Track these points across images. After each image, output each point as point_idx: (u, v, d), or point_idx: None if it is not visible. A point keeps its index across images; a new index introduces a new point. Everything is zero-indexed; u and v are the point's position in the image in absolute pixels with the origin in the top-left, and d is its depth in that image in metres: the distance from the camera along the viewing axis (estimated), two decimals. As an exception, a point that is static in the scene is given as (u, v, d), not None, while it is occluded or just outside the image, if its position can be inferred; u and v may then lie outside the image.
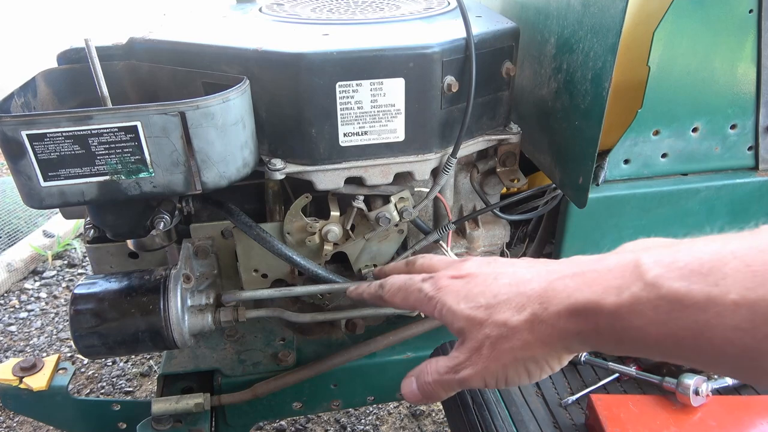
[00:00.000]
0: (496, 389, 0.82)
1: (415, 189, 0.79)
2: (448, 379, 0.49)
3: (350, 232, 0.80)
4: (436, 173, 0.76)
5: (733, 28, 0.72)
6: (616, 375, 0.87)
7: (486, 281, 0.48)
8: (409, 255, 0.84)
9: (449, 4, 0.82)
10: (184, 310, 0.72)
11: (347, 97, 0.66)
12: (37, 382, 0.88)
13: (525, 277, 0.45)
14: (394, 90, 0.67)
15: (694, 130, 0.78)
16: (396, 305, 0.58)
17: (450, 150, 0.73)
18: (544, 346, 0.42)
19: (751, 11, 0.71)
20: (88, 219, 0.78)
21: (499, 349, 0.44)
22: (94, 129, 0.58)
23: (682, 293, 0.32)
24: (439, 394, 0.51)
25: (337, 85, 0.65)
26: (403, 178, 0.75)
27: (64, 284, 1.92)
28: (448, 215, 0.83)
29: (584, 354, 0.90)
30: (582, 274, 0.39)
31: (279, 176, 0.69)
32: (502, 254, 0.94)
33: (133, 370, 1.57)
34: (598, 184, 0.78)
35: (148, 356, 1.59)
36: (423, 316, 0.85)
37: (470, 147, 0.77)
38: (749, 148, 0.81)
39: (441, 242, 0.83)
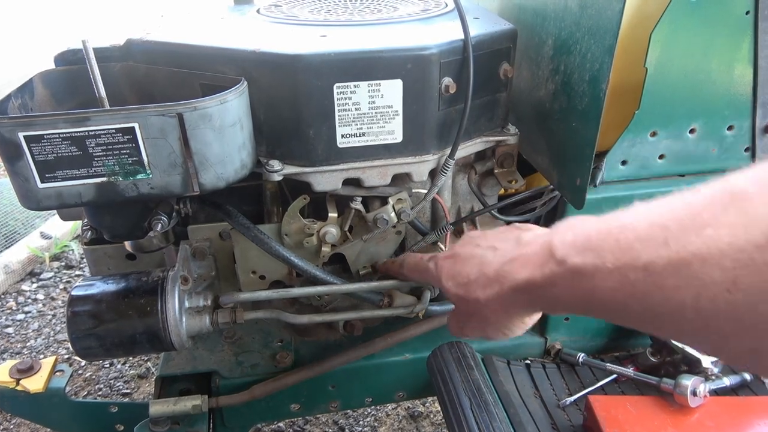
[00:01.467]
0: (495, 392, 0.82)
1: (413, 190, 0.79)
2: (459, 334, 0.67)
3: (348, 234, 0.80)
4: (433, 174, 0.76)
5: (729, 30, 0.72)
6: (614, 376, 0.87)
7: (464, 262, 0.61)
8: (404, 261, 0.84)
9: (447, 5, 0.82)
10: (181, 311, 0.72)
11: (345, 99, 0.66)
12: (34, 384, 0.88)
13: (487, 260, 0.57)
14: (391, 91, 0.67)
15: (692, 131, 0.78)
16: (413, 280, 0.76)
17: (448, 151, 0.73)
18: (508, 312, 0.56)
19: (747, 13, 0.71)
20: (86, 220, 0.77)
21: (480, 317, 0.59)
22: (92, 130, 0.58)
23: (579, 266, 0.41)
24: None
25: (334, 87, 0.65)
26: (401, 180, 0.75)
27: (61, 286, 1.91)
28: (446, 216, 0.83)
29: (582, 355, 0.90)
30: (519, 257, 0.51)
31: (277, 178, 0.69)
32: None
33: (131, 371, 1.57)
34: (595, 186, 0.78)
35: (146, 358, 1.59)
36: (420, 316, 0.85)
37: (468, 148, 0.77)
38: (746, 149, 0.81)
39: (439, 243, 0.83)
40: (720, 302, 0.32)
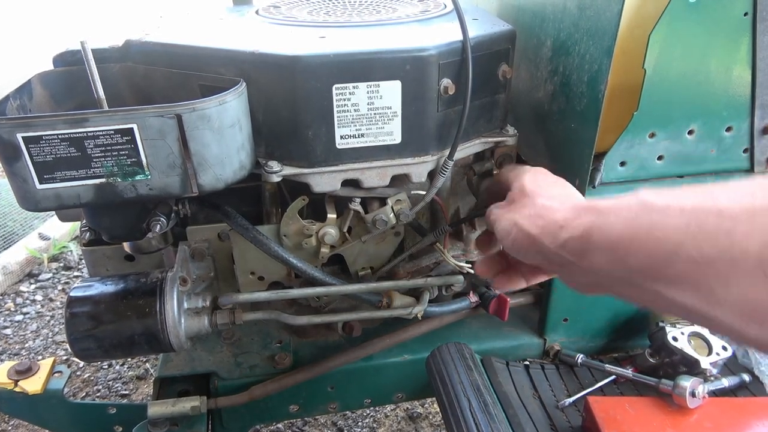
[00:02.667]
0: (494, 392, 0.82)
1: (412, 191, 0.79)
2: (488, 213, 0.62)
3: (347, 235, 0.80)
4: (432, 175, 0.76)
5: (728, 31, 0.72)
6: (613, 377, 0.87)
7: (554, 183, 0.61)
8: (406, 257, 0.84)
9: (446, 6, 0.82)
10: (180, 312, 0.72)
11: (344, 100, 0.66)
12: (33, 385, 0.88)
13: (575, 195, 0.58)
14: (390, 92, 0.67)
15: (690, 132, 0.78)
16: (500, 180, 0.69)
17: (447, 152, 0.73)
18: (538, 222, 0.52)
19: (746, 14, 0.71)
20: (84, 221, 0.77)
21: (515, 208, 0.57)
22: (90, 131, 0.58)
23: (653, 200, 0.41)
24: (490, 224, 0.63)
25: (333, 88, 0.65)
26: (399, 181, 0.75)
27: (59, 287, 1.91)
28: (445, 217, 0.83)
29: (581, 356, 0.90)
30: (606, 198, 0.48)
31: (276, 179, 0.69)
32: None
33: (130, 372, 1.56)
34: (594, 187, 0.78)
35: (145, 359, 1.59)
36: (419, 317, 0.85)
37: (467, 149, 0.77)
38: (744, 150, 0.81)
39: (437, 244, 0.83)
40: None
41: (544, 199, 0.56)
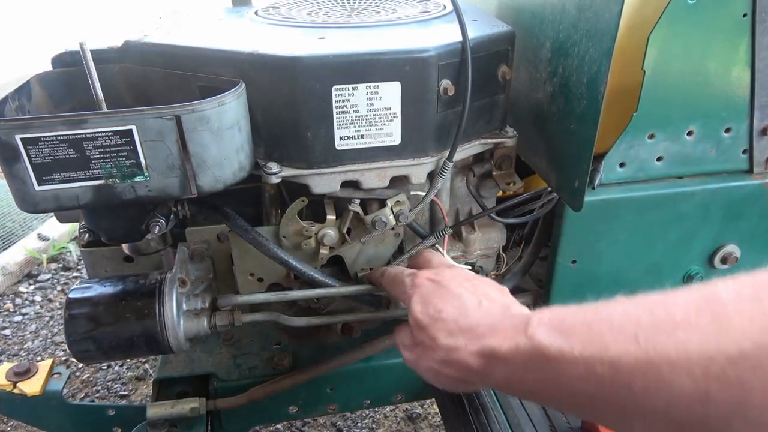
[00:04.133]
0: (493, 393, 0.82)
1: (411, 192, 0.79)
2: (404, 356, 0.64)
3: (346, 236, 0.79)
4: (432, 177, 0.76)
5: (727, 32, 0.72)
6: (613, 378, 0.87)
7: (443, 296, 0.58)
8: (406, 258, 0.84)
9: (445, 8, 0.82)
10: (179, 314, 0.72)
11: (343, 101, 0.66)
12: (32, 386, 0.88)
13: (468, 309, 0.55)
14: (390, 93, 0.67)
15: (689, 133, 0.78)
16: (389, 292, 0.71)
17: (446, 153, 0.73)
18: (454, 369, 0.53)
19: (745, 15, 0.71)
20: (83, 223, 0.77)
21: (426, 354, 0.58)
22: (89, 133, 0.58)
23: (546, 346, 0.40)
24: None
25: (333, 89, 0.65)
26: (399, 182, 0.75)
27: (59, 288, 1.91)
28: (444, 219, 0.83)
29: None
30: (499, 326, 0.49)
31: (275, 180, 0.69)
32: (498, 257, 0.94)
33: (129, 373, 1.56)
34: (593, 188, 0.78)
35: (144, 360, 1.59)
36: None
37: (466, 150, 0.77)
38: (743, 151, 0.81)
39: (437, 246, 0.83)
40: (694, 414, 0.31)
41: (443, 335, 0.55)
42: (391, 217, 0.75)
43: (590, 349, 0.36)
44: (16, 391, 0.88)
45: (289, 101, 0.65)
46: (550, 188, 0.84)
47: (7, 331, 1.71)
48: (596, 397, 0.36)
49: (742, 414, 0.29)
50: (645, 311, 0.35)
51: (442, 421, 1.37)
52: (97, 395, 1.50)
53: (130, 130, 0.58)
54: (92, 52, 0.63)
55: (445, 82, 0.68)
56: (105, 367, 1.58)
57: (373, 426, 1.41)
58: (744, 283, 0.32)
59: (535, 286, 0.96)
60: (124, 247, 0.80)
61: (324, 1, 0.87)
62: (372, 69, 0.65)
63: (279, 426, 1.38)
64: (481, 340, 0.48)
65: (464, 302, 0.56)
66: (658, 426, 0.34)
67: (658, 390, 0.32)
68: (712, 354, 0.30)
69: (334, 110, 0.66)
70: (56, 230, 2.10)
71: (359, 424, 1.41)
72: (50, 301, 1.85)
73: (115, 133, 0.58)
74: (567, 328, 0.39)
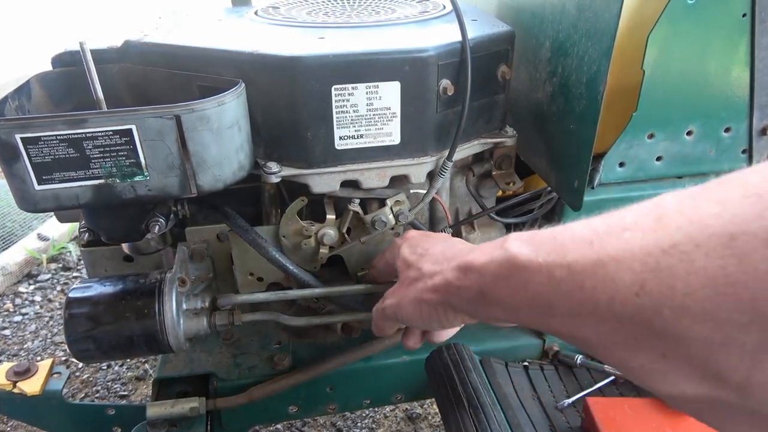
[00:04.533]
0: (493, 394, 0.82)
1: (411, 192, 0.79)
2: (379, 308, 0.65)
3: (346, 236, 0.79)
4: (432, 176, 0.76)
5: (726, 32, 0.72)
6: (612, 378, 0.87)
7: (431, 239, 0.63)
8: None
9: (444, 7, 0.82)
10: (179, 313, 0.72)
11: (343, 101, 0.66)
12: (31, 386, 0.88)
13: (455, 246, 0.58)
14: (389, 93, 0.67)
15: (689, 133, 0.78)
16: (382, 274, 0.76)
17: (446, 153, 0.73)
18: (436, 292, 0.54)
19: (744, 15, 0.71)
20: (83, 222, 0.77)
21: (411, 287, 0.58)
22: (89, 132, 0.58)
23: (515, 254, 0.42)
24: (378, 324, 0.67)
25: (332, 89, 0.65)
26: (399, 182, 0.75)
27: (58, 288, 1.91)
28: (447, 217, 0.83)
29: (580, 357, 0.90)
30: (480, 247, 0.50)
31: (275, 179, 0.69)
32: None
33: (129, 373, 1.56)
34: (593, 187, 0.79)
35: (144, 360, 1.59)
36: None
37: (466, 150, 0.77)
38: (743, 151, 0.81)
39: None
40: (630, 306, 0.33)
41: (428, 264, 0.57)
42: (391, 216, 0.75)
43: (552, 256, 0.39)
44: (16, 390, 0.88)
45: (289, 101, 0.65)
46: (549, 188, 0.84)
47: (6, 331, 1.71)
48: (553, 301, 0.39)
49: (670, 301, 0.31)
50: (602, 221, 0.37)
51: (441, 421, 1.37)
52: (97, 395, 1.50)
53: (130, 129, 0.58)
54: (92, 52, 0.63)
55: (445, 82, 0.68)
56: (105, 367, 1.58)
57: (373, 426, 1.41)
58: (688, 189, 0.34)
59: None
60: (124, 246, 0.80)
61: (324, 1, 0.87)
62: (371, 69, 0.65)
63: (279, 426, 1.38)
64: (462, 258, 0.50)
65: (451, 242, 0.60)
66: (601, 322, 0.36)
67: (604, 287, 0.35)
68: (651, 249, 0.32)
69: (334, 110, 0.66)
70: (56, 230, 2.10)
71: (359, 424, 1.41)
72: (50, 301, 1.85)
73: (115, 132, 0.58)
74: (537, 240, 0.41)
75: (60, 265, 2.01)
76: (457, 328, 0.67)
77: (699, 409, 0.33)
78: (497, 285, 0.45)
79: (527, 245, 0.42)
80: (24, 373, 0.89)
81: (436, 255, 0.58)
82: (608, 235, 0.36)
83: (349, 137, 0.68)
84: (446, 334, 0.69)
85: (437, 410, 1.43)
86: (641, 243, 0.33)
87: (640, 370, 0.35)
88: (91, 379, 1.55)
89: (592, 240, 0.36)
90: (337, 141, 0.68)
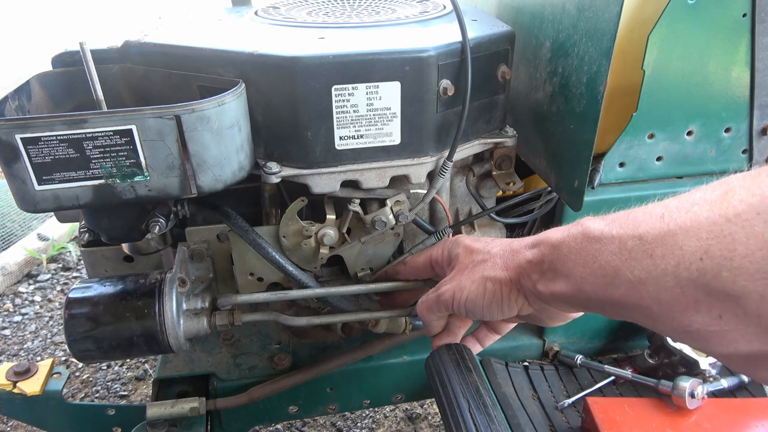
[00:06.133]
0: (493, 394, 0.82)
1: (411, 192, 0.79)
2: (430, 297, 0.65)
3: (346, 236, 0.79)
4: (432, 176, 0.76)
5: (727, 32, 0.72)
6: (612, 378, 0.87)
7: (483, 255, 0.62)
8: (406, 258, 0.84)
9: (444, 8, 0.82)
10: (179, 313, 0.72)
11: (343, 101, 0.66)
12: (31, 386, 0.88)
13: (517, 239, 0.60)
14: (389, 93, 0.67)
15: (689, 133, 0.78)
16: (417, 271, 0.77)
17: (446, 153, 0.73)
18: (507, 270, 0.57)
19: (744, 15, 0.71)
20: (83, 222, 0.77)
21: (476, 268, 0.60)
22: (89, 132, 0.58)
23: (590, 228, 0.46)
24: (426, 317, 0.68)
25: (332, 89, 0.65)
26: (399, 182, 0.75)
27: (58, 288, 1.91)
28: (447, 217, 0.83)
29: (580, 357, 0.90)
30: (554, 228, 0.53)
31: (275, 180, 0.69)
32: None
33: (129, 373, 1.56)
34: (593, 188, 0.79)
35: (144, 360, 1.59)
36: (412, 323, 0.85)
37: (466, 150, 0.77)
38: (743, 151, 0.81)
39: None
40: (693, 270, 0.37)
41: (497, 248, 0.60)
42: (391, 216, 0.75)
43: (625, 228, 0.43)
44: (16, 390, 0.88)
45: (289, 101, 0.65)
46: (549, 188, 0.84)
47: (6, 331, 1.71)
48: (622, 269, 0.42)
49: (729, 263, 0.35)
50: (674, 199, 0.41)
51: (441, 421, 1.37)
52: (97, 395, 1.50)
53: (130, 129, 0.58)
54: (92, 52, 0.63)
55: (445, 82, 0.68)
56: (105, 367, 1.58)
57: (373, 426, 1.41)
58: (754, 169, 0.38)
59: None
60: (124, 246, 0.80)
61: (324, 1, 0.87)
62: (372, 69, 0.65)
63: (279, 426, 1.38)
64: (536, 237, 0.54)
65: (508, 239, 0.62)
66: (665, 289, 0.39)
67: (672, 254, 0.38)
68: (716, 218, 0.36)
69: (334, 110, 0.66)
70: (56, 230, 2.10)
71: (359, 424, 1.41)
72: (50, 301, 1.85)
73: (115, 132, 0.58)
74: (611, 218, 0.45)
75: (60, 265, 2.01)
76: (509, 327, 0.70)
77: (753, 365, 0.37)
78: (570, 257, 0.48)
79: (602, 221, 0.46)
80: (24, 373, 0.89)
81: (502, 242, 0.61)
82: (678, 210, 0.40)
83: (349, 137, 0.68)
84: (504, 328, 0.71)
85: (437, 410, 1.43)
86: (708, 214, 0.37)
87: (698, 333, 0.38)
88: (91, 379, 1.55)
89: (662, 214, 0.40)
90: (337, 141, 0.68)
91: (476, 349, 0.72)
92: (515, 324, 0.69)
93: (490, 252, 0.60)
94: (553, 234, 0.51)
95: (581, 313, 0.59)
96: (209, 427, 0.86)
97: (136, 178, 0.61)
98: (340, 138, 0.68)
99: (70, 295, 0.71)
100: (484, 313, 0.60)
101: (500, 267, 0.58)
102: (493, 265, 0.58)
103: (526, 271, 0.55)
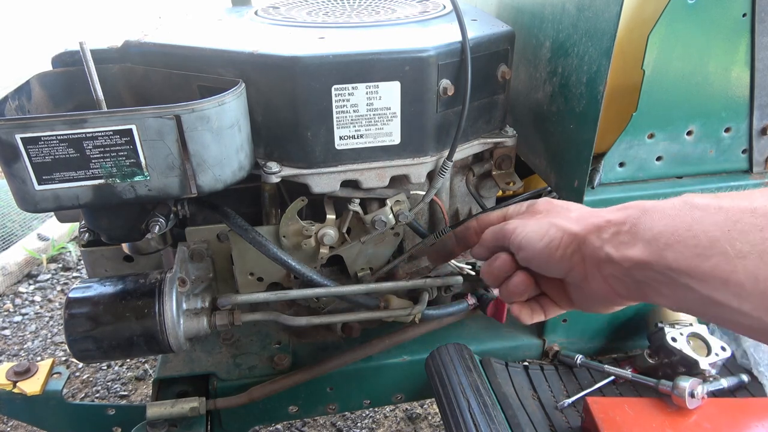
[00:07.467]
0: (493, 393, 0.82)
1: (411, 192, 0.79)
2: (498, 226, 0.60)
3: (346, 236, 0.80)
4: (431, 176, 0.76)
5: (726, 32, 0.72)
6: (612, 378, 0.87)
7: (562, 209, 0.58)
8: (405, 258, 0.84)
9: (444, 8, 0.82)
10: (179, 313, 0.72)
11: (343, 101, 0.66)
12: (32, 386, 0.88)
13: (595, 210, 0.55)
14: (389, 93, 0.67)
15: (689, 133, 0.78)
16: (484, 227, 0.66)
17: (446, 153, 0.73)
18: (578, 223, 0.52)
19: (744, 15, 0.71)
20: (83, 222, 0.77)
21: (549, 214, 0.56)
22: (89, 132, 0.58)
23: (696, 200, 0.44)
24: (487, 240, 0.61)
25: (332, 89, 0.65)
26: (399, 182, 0.75)
27: (58, 288, 1.91)
28: (445, 218, 0.83)
29: (580, 357, 0.90)
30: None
31: (275, 179, 0.69)
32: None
33: (129, 373, 1.56)
34: (593, 187, 0.79)
35: (144, 360, 1.59)
36: (417, 321, 0.85)
37: (466, 150, 0.77)
38: (743, 151, 0.81)
39: (437, 245, 0.83)
40: None
41: (578, 206, 0.56)
42: (391, 216, 0.75)
43: (737, 201, 0.42)
44: (16, 390, 0.88)
45: (289, 101, 0.65)
46: (549, 188, 0.84)
47: (6, 332, 1.71)
48: (720, 239, 0.41)
49: None
50: None
51: (441, 421, 1.37)
52: (97, 395, 1.50)
53: (130, 129, 0.58)
54: (92, 52, 0.63)
55: (445, 82, 0.68)
56: (105, 367, 1.58)
57: (373, 426, 1.41)
58: None
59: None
60: (124, 246, 0.80)
61: (324, 1, 0.87)
62: (372, 69, 0.65)
63: (279, 426, 1.38)
64: (629, 203, 0.51)
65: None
66: (765, 265, 0.38)
67: None
68: None
69: (334, 110, 0.66)
70: (56, 230, 2.10)
71: (359, 424, 1.41)
72: (50, 301, 1.85)
73: (115, 132, 0.58)
74: (717, 195, 0.44)
75: (60, 265, 2.01)
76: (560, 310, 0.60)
77: None
78: (660, 222, 0.45)
79: (708, 196, 0.44)
80: (24, 373, 0.89)
81: (580, 206, 0.57)
82: None
83: (349, 137, 0.68)
84: (557, 310, 0.61)
85: (437, 410, 1.43)
86: None
87: None
88: (91, 379, 1.55)
89: None
90: (337, 141, 0.68)
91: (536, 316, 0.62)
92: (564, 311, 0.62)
93: (569, 207, 0.57)
94: (648, 201, 0.48)
95: (623, 306, 0.53)
96: (209, 426, 0.86)
97: (136, 178, 0.61)
98: (340, 138, 0.68)
99: (70, 295, 0.71)
100: (536, 256, 0.55)
101: (573, 220, 0.54)
102: (566, 216, 0.55)
103: (599, 229, 0.50)
